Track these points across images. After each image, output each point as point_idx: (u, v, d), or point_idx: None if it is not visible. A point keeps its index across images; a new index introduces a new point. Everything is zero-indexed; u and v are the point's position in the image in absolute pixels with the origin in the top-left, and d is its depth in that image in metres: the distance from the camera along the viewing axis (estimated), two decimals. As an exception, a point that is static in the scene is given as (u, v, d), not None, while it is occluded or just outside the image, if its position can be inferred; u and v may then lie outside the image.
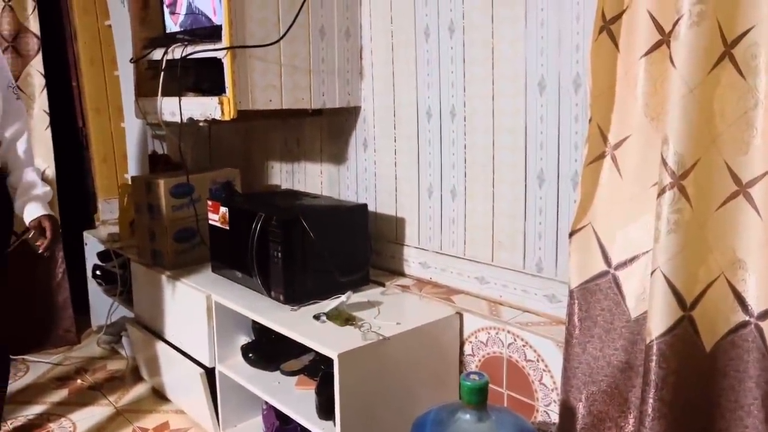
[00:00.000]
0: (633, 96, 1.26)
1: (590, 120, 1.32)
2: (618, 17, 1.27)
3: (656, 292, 1.17)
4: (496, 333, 1.64)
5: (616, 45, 1.28)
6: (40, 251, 1.78)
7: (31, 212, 1.76)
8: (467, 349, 1.72)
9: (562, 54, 1.52)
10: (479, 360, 1.69)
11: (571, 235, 1.38)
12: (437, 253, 1.91)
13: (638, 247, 1.29)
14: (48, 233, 1.76)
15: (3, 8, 2.67)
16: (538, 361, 1.56)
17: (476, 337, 1.69)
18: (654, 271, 1.17)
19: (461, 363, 1.74)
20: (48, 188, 1.81)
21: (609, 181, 1.33)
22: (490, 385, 1.26)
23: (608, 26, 1.28)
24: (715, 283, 1.19)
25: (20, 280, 2.64)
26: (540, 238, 1.64)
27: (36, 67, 2.75)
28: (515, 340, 1.59)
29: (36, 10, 2.73)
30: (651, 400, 1.18)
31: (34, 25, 2.74)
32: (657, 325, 1.17)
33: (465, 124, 1.77)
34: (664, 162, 1.14)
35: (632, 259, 1.30)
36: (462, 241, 1.84)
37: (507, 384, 1.63)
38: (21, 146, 1.77)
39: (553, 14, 1.52)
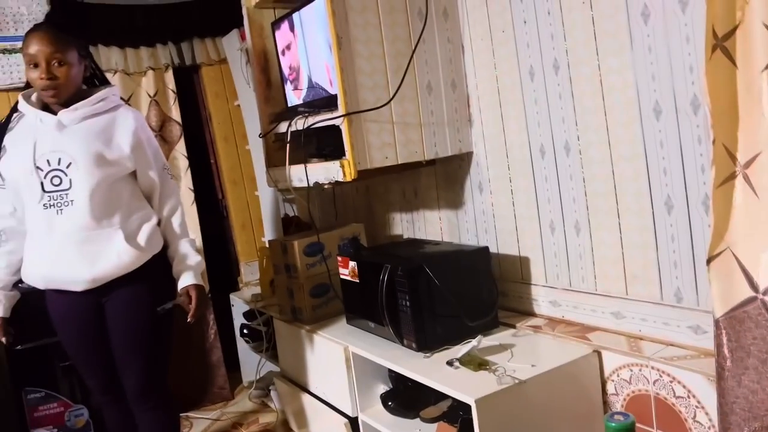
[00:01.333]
0: (758, 111, 1.20)
1: (713, 141, 1.27)
2: (731, 33, 1.22)
3: (814, 317, 1.08)
4: (640, 370, 1.57)
5: (733, 61, 1.23)
6: (188, 319, 1.88)
7: (183, 281, 1.93)
8: (610, 388, 1.66)
9: (675, 77, 1.48)
10: (624, 399, 1.62)
11: (708, 261, 1.31)
12: (567, 290, 1.87)
13: (788, 269, 1.20)
14: (193, 301, 1.88)
15: (150, 103, 3.06)
16: (688, 397, 1.47)
17: (618, 375, 1.63)
18: (808, 294, 1.09)
19: (605, 403, 1.67)
20: (200, 258, 1.98)
21: (744, 202, 1.26)
22: (640, 425, 1.22)
23: (721, 44, 1.24)
24: None
25: (178, 343, 2.92)
26: (676, 267, 1.57)
27: (180, 150, 3.10)
28: (661, 376, 1.52)
29: (176, 101, 3.10)
30: (825, 437, 1.08)
31: (176, 114, 3.11)
32: (820, 354, 1.08)
33: (581, 158, 1.75)
34: (803, 177, 1.07)
35: (783, 283, 1.21)
36: (592, 275, 1.79)
37: (657, 423, 1.54)
38: (176, 221, 1.97)
39: (660, 39, 1.49)
